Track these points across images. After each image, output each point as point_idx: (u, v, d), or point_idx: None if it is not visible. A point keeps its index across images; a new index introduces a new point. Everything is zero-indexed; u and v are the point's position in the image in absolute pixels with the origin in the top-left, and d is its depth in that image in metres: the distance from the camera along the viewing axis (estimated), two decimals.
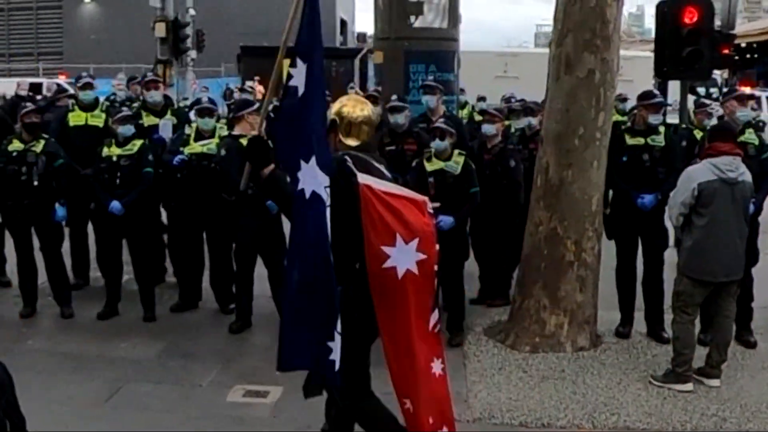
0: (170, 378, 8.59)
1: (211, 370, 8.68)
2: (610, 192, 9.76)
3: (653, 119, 9.42)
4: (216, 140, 10.13)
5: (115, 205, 9.93)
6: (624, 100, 17.15)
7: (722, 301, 8.25)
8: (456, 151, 9.54)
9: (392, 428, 6.10)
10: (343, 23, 58.70)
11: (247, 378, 8.50)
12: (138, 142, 10.15)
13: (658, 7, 14.24)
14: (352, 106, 6.23)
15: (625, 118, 12.59)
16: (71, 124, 11.34)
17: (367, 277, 5.60)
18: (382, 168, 6.10)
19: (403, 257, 5.57)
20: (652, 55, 15.63)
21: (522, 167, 10.36)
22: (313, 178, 5.29)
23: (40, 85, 31.63)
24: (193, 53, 28.29)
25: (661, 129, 9.53)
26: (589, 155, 9.15)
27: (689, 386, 8.10)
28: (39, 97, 22.80)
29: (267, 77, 22.11)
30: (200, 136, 10.23)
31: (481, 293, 10.83)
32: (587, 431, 7.41)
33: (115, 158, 10.13)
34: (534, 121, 10.98)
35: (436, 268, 5.80)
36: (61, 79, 35.10)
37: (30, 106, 10.79)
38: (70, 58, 46.66)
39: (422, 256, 5.63)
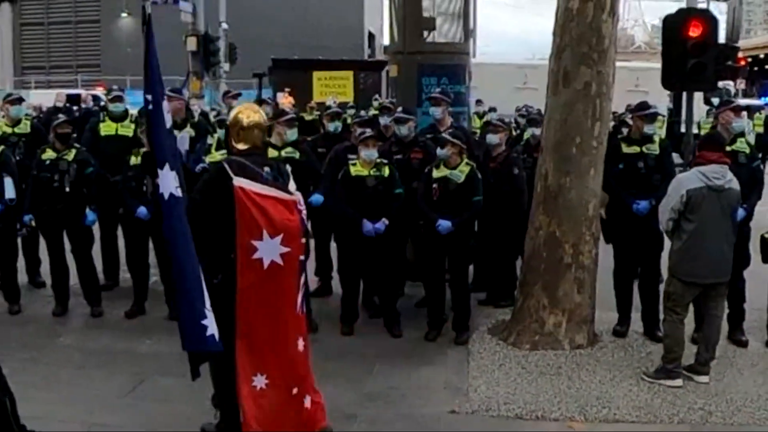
0: None
1: None
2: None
3: (648, 129, 9.64)
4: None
5: (142, 210, 10.20)
6: None
7: (711, 301, 8.43)
8: (464, 161, 9.81)
9: None
10: (371, 36, 58.87)
11: None
12: None
13: (665, 20, 14.41)
14: (245, 112, 6.82)
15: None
16: (102, 133, 11.68)
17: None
18: (262, 171, 6.58)
19: (269, 250, 6.23)
20: None
21: (524, 175, 10.61)
22: (168, 182, 6.08)
23: (78, 96, 31.98)
24: (225, 66, 28.55)
25: (656, 138, 9.76)
26: (586, 163, 9.34)
27: (678, 382, 8.27)
28: (75, 108, 23.16)
29: (296, 89, 22.44)
30: (221, 146, 10.51)
31: (489, 294, 11.06)
32: (578, 423, 7.60)
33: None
34: (538, 131, 11.18)
35: (302, 258, 6.52)
36: (99, 91, 35.49)
37: (62, 117, 11.08)
38: (108, 70, 47.07)
39: (286, 249, 6.28)
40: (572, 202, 9.39)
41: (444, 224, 9.53)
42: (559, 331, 9.44)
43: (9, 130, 11.84)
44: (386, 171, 9.87)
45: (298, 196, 6.61)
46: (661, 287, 9.21)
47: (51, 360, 9.14)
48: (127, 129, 11.71)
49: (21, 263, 11.38)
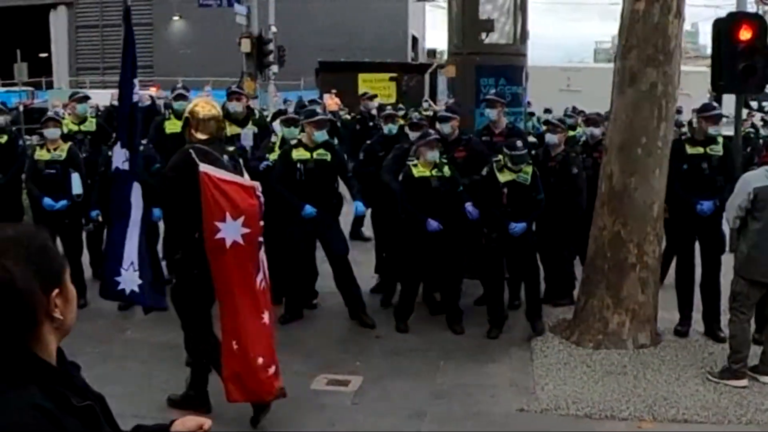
0: None
1: (296, 361, 8.78)
2: None
3: (712, 130, 9.43)
4: None
5: None
6: (678, 112, 17.06)
7: None
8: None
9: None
10: (415, 40, 58.75)
11: (330, 368, 8.64)
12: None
13: (715, 24, 14.12)
14: (202, 106, 7.37)
15: (684, 129, 12.58)
16: (167, 131, 11.61)
17: (203, 244, 6.80)
18: (223, 159, 7.10)
19: (231, 231, 6.72)
20: (706, 70, 15.45)
21: (584, 174, 10.41)
22: (118, 157, 7.40)
23: None
24: (274, 67, 28.52)
25: (720, 139, 9.54)
26: (652, 163, 9.16)
27: (744, 382, 8.06)
28: None
29: (342, 90, 22.33)
30: (284, 143, 10.39)
31: (547, 293, 10.85)
32: (648, 423, 7.42)
33: None
34: (597, 131, 10.98)
35: (261, 239, 6.98)
36: (152, 91, 35.61)
37: None
38: (160, 71, 47.22)
39: (247, 230, 6.78)
40: (637, 202, 9.21)
41: (519, 226, 9.49)
42: (623, 330, 9.25)
43: (75, 127, 11.89)
44: (447, 170, 9.73)
45: (257, 183, 7.15)
46: (722, 288, 9.12)
47: (119, 353, 9.07)
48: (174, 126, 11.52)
49: (85, 258, 11.36)
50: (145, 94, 31.31)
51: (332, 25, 48.07)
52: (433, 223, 9.50)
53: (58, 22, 52.42)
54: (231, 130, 11.30)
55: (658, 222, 9.34)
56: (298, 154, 10.03)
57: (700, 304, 9.68)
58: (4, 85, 42.88)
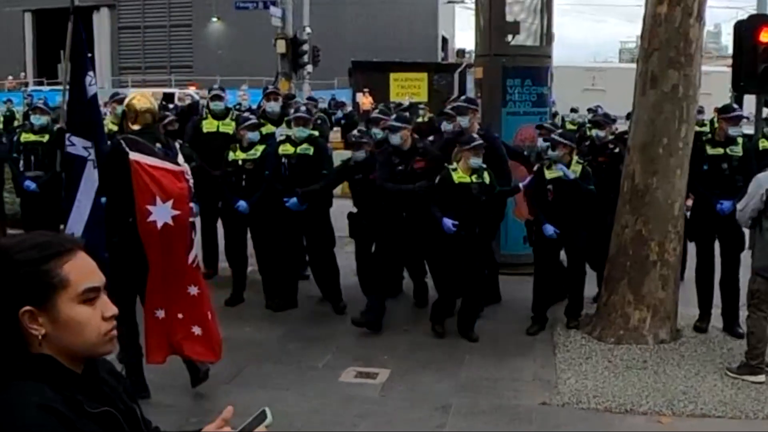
0: (289, 359, 8.77)
1: (326, 354, 8.85)
2: None
3: (732, 131, 9.35)
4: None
5: (242, 204, 10.15)
6: (700, 111, 16.94)
7: None
8: (575, 159, 9.57)
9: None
10: (445, 41, 58.80)
11: (359, 361, 8.66)
12: (260, 148, 10.35)
13: (736, 26, 14.04)
14: (139, 99, 7.70)
15: (706, 128, 12.47)
16: (204, 130, 11.64)
17: (137, 228, 7.10)
18: (153, 146, 7.31)
19: (162, 213, 7.01)
20: (728, 70, 15.33)
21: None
22: (78, 146, 7.63)
23: (172, 94, 32.21)
24: (309, 67, 28.60)
25: (740, 140, 9.47)
26: (673, 163, 9.11)
27: (761, 378, 7.99)
28: (171, 105, 23.29)
29: (375, 90, 22.35)
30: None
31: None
32: (666, 417, 7.37)
33: (240, 162, 10.33)
34: (602, 133, 10.76)
35: (191, 220, 7.35)
36: (192, 90, 35.83)
37: (169, 115, 11.12)
38: (199, 71, 47.54)
39: (176, 212, 7.07)
40: (658, 201, 9.16)
41: (548, 229, 9.44)
42: (644, 326, 9.21)
43: (114, 127, 11.81)
44: (486, 177, 9.44)
45: (186, 168, 7.45)
46: (741, 286, 9.02)
47: None
48: (227, 126, 11.64)
49: None
50: (182, 93, 31.70)
51: (365, 26, 48.19)
52: (447, 222, 9.25)
53: (101, 23, 52.83)
54: (266, 129, 11.36)
55: (679, 221, 9.30)
56: (284, 149, 10.39)
57: (720, 300, 9.60)
58: (49, 84, 43.22)
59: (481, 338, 9.42)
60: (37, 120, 11.29)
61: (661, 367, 8.44)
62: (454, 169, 9.37)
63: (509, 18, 12.40)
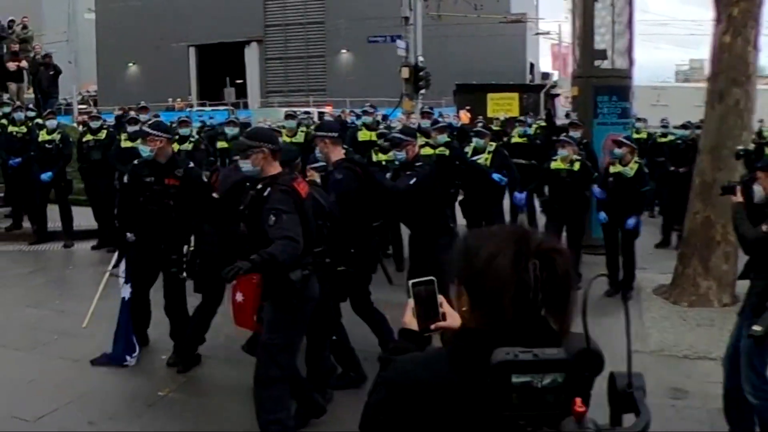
0: None
1: None
2: None
3: None
4: None
5: None
6: (761, 120, 17.04)
7: None
8: (634, 159, 9.96)
9: None
10: (532, 66, 58.52)
11: None
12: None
13: None
14: None
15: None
16: (360, 139, 12.31)
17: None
18: None
19: None
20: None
21: None
22: None
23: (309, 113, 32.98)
24: (422, 90, 29.06)
25: None
26: (735, 162, 9.38)
27: None
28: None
29: (474, 107, 22.53)
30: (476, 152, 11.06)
31: None
32: None
33: (384, 163, 10.41)
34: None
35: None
36: (327, 109, 36.57)
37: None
38: (332, 94, 48.25)
39: None
40: None
41: (631, 222, 9.84)
42: (711, 292, 9.49)
43: (288, 139, 12.29)
44: (577, 166, 10.06)
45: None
46: None
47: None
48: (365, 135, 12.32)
49: None
50: (318, 112, 32.39)
51: (466, 54, 48.26)
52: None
53: (251, 55, 53.90)
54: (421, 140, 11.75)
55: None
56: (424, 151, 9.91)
57: None
58: (210, 106, 44.53)
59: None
60: (231, 131, 11.96)
61: (726, 325, 8.59)
62: (555, 159, 10.33)
63: (597, 46, 12.76)
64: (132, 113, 15.54)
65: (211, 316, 7.35)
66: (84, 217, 12.83)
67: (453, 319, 2.26)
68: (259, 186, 5.33)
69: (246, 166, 5.36)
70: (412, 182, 7.30)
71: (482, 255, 1.89)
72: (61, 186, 12.41)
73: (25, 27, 20.63)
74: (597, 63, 12.72)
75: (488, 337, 1.84)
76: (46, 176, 12.07)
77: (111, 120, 18.39)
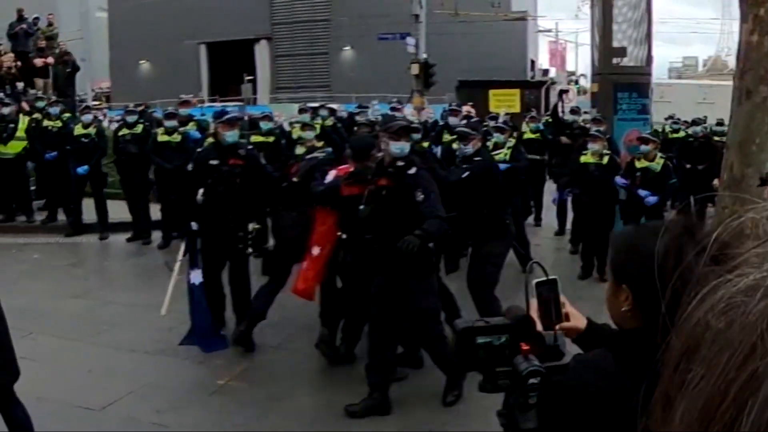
0: None
1: None
2: None
3: None
4: None
5: None
6: None
7: None
8: (658, 155, 10.01)
9: None
10: (533, 63, 58.53)
11: None
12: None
13: None
14: None
15: None
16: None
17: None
18: None
19: None
20: None
21: None
22: None
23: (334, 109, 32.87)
24: None
25: None
26: (763, 157, 9.40)
27: None
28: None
29: (478, 103, 22.47)
30: (496, 146, 10.93)
31: None
32: None
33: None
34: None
35: None
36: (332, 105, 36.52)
37: None
38: (336, 90, 48.14)
39: None
40: (751, 187, 9.46)
41: (651, 199, 9.88)
42: None
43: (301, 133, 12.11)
44: (605, 160, 10.12)
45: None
46: None
47: None
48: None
49: None
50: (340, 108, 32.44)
51: (469, 52, 48.20)
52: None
53: (261, 52, 53.87)
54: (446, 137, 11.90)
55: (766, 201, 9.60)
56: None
57: None
58: (221, 101, 44.39)
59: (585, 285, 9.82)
60: (266, 125, 11.93)
61: None
62: (585, 153, 10.49)
63: (616, 44, 12.79)
64: (170, 108, 15.33)
65: (273, 297, 7.43)
66: (118, 210, 12.84)
67: (576, 319, 2.28)
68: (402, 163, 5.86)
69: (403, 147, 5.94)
70: (464, 175, 7.33)
71: (649, 253, 1.87)
72: (96, 179, 12.42)
73: (50, 24, 20.64)
74: (616, 61, 12.75)
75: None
76: (82, 170, 12.10)
77: (118, 116, 18.29)
